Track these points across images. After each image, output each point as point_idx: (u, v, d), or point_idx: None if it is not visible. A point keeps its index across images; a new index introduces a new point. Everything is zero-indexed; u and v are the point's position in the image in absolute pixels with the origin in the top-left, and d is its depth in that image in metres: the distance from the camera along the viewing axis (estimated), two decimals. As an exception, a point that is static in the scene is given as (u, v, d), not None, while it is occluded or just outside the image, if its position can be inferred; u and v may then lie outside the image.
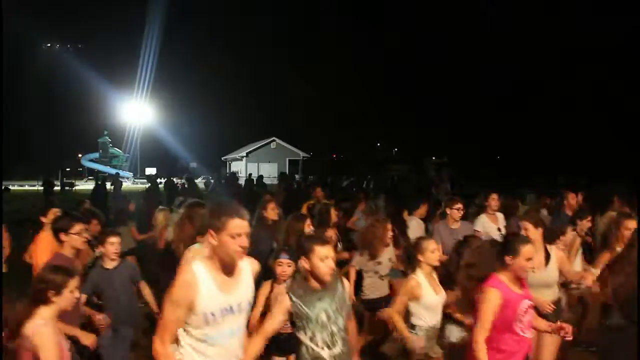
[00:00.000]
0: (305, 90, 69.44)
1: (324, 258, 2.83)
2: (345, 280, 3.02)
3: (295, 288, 2.90)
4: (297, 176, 33.02)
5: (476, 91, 58.93)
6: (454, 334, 4.02)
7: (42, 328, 2.64)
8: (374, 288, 4.92)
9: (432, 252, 3.83)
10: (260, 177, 17.17)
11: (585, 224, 5.33)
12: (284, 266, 3.75)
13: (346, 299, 2.97)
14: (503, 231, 6.03)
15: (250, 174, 22.74)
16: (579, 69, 48.23)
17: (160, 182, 20.52)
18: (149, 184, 16.67)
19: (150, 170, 44.20)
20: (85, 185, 33.27)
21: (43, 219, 4.82)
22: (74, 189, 30.97)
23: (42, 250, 4.50)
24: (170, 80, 59.31)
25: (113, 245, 4.21)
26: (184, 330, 2.43)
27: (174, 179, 17.34)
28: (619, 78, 40.99)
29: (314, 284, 2.88)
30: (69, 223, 3.76)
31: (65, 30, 64.87)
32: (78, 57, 53.56)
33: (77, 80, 51.19)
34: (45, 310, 2.74)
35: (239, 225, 2.37)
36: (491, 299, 3.05)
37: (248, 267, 2.59)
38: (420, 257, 3.85)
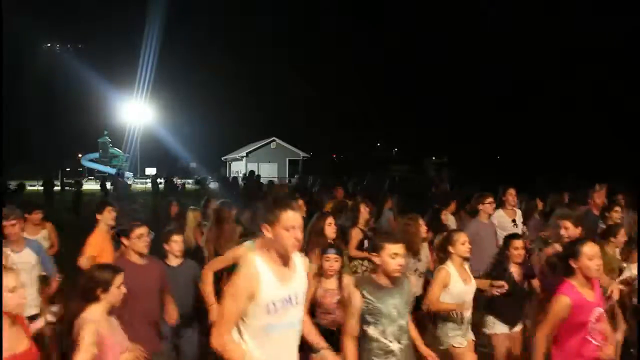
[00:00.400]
0: (305, 90, 69.42)
1: (394, 255, 2.97)
2: (410, 277, 3.13)
3: (365, 284, 3.01)
4: (296, 176, 32.97)
5: (476, 91, 58.95)
6: (492, 325, 4.21)
7: (86, 325, 2.74)
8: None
9: (463, 244, 4.00)
10: (258, 176, 17.19)
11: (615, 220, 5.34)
12: (332, 261, 3.86)
13: (411, 295, 3.13)
14: (519, 225, 6.23)
15: (245, 173, 22.75)
16: (579, 69, 48.25)
17: (161, 182, 20.54)
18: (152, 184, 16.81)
19: (150, 170, 44.24)
20: (86, 185, 33.24)
21: (98, 216, 5.03)
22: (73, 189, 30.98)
23: (91, 244, 4.73)
24: (170, 80, 59.29)
25: (177, 243, 4.32)
26: (244, 321, 2.45)
27: (174, 179, 17.33)
28: (619, 78, 40.99)
29: (384, 280, 3.02)
30: (130, 227, 3.86)
31: (65, 30, 64.88)
32: (78, 57, 53.62)
33: (77, 80, 51.22)
34: (95, 308, 2.84)
35: (292, 218, 2.42)
36: (559, 306, 3.12)
37: (301, 260, 2.65)
38: (451, 249, 4.01)
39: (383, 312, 2.95)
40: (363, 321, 2.99)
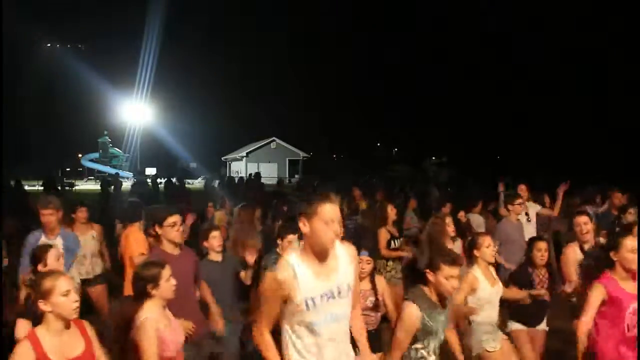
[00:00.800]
0: (305, 90, 69.44)
1: (448, 277, 2.90)
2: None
3: (424, 304, 2.91)
4: (296, 176, 32.96)
5: (476, 91, 58.95)
6: (510, 325, 4.22)
7: (144, 322, 2.81)
8: None
9: (488, 247, 4.00)
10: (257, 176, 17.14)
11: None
12: (364, 263, 3.84)
13: (450, 310, 3.10)
14: (532, 218, 6.44)
15: (250, 174, 22.69)
16: (579, 69, 48.26)
17: (160, 182, 20.50)
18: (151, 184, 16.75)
19: (150, 170, 44.20)
20: (86, 185, 33.27)
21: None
22: (74, 188, 30.99)
23: (133, 242, 4.80)
24: (170, 80, 59.32)
25: (216, 239, 4.36)
26: (286, 320, 2.46)
27: (173, 179, 17.30)
28: (619, 78, 41.00)
29: (435, 297, 2.96)
30: (162, 215, 3.77)
31: (65, 30, 64.88)
32: (78, 57, 53.55)
33: (77, 80, 51.17)
34: (149, 305, 2.90)
35: (331, 211, 2.37)
36: (595, 294, 3.21)
37: (345, 252, 2.57)
38: (476, 253, 4.01)
39: (433, 330, 2.91)
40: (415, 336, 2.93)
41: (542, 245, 4.32)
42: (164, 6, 50.30)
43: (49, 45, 57.38)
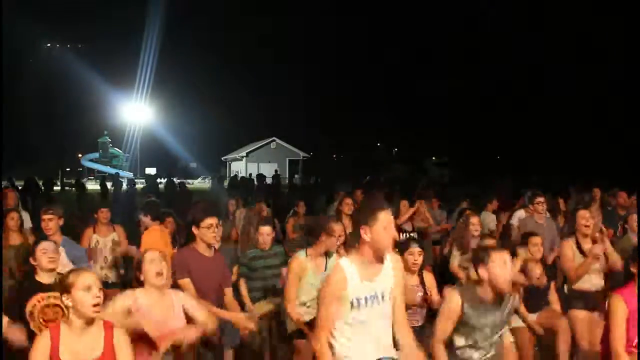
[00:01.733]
0: (305, 90, 69.43)
1: (503, 266, 2.79)
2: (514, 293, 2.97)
3: (468, 296, 2.86)
4: (297, 176, 32.95)
5: (476, 91, 58.91)
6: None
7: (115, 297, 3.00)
8: None
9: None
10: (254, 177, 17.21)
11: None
12: (415, 255, 3.90)
13: (511, 310, 2.97)
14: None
15: (250, 174, 22.72)
16: (579, 69, 48.22)
17: (161, 182, 20.49)
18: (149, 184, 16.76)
19: (150, 170, 44.18)
20: (85, 185, 33.23)
21: (145, 220, 5.14)
22: (74, 188, 30.95)
23: (147, 240, 4.81)
24: (170, 80, 59.20)
25: (263, 235, 4.71)
26: (337, 324, 2.59)
27: (174, 179, 17.31)
28: (620, 77, 40.97)
29: (489, 295, 2.83)
30: (200, 217, 3.79)
31: (65, 30, 64.73)
32: (78, 57, 53.50)
33: (77, 80, 51.10)
34: (138, 290, 3.11)
35: (388, 217, 2.52)
36: (619, 306, 2.91)
37: (390, 258, 2.69)
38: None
39: (476, 327, 2.85)
40: (454, 329, 2.92)
41: (537, 240, 4.40)
42: (164, 6, 50.31)
43: (49, 45, 57.32)
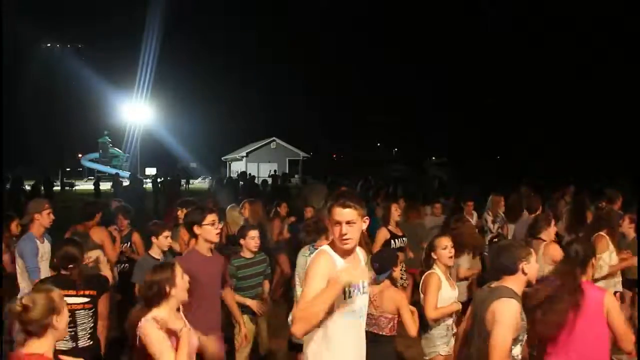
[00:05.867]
0: (305, 90, 69.43)
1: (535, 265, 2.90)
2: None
3: (517, 297, 2.83)
4: (296, 176, 32.91)
5: (476, 91, 58.90)
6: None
7: (148, 321, 2.72)
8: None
9: (444, 250, 3.97)
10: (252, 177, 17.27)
11: None
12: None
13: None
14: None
15: (250, 173, 22.71)
16: (579, 69, 48.23)
17: (160, 183, 20.49)
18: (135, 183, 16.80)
19: (150, 170, 44.17)
20: (86, 185, 33.30)
21: (180, 213, 5.38)
22: (74, 188, 31.03)
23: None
24: (170, 80, 59.28)
25: (253, 239, 4.67)
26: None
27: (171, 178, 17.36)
28: (619, 77, 40.97)
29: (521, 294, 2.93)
30: (201, 215, 3.77)
31: (65, 30, 64.82)
32: (78, 57, 53.56)
33: (77, 80, 51.21)
34: (160, 308, 2.83)
35: (337, 213, 2.53)
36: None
37: (362, 254, 2.76)
38: (433, 255, 3.99)
39: (524, 327, 2.84)
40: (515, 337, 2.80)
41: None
42: (164, 6, 50.33)
43: (49, 45, 57.35)
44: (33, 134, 50.07)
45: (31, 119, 50.06)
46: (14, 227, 5.27)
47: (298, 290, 4.11)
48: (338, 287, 2.38)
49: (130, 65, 50.14)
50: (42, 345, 2.27)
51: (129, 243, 5.70)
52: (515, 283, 2.82)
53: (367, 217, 2.62)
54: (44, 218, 4.62)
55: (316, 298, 2.39)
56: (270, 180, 19.52)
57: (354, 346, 2.62)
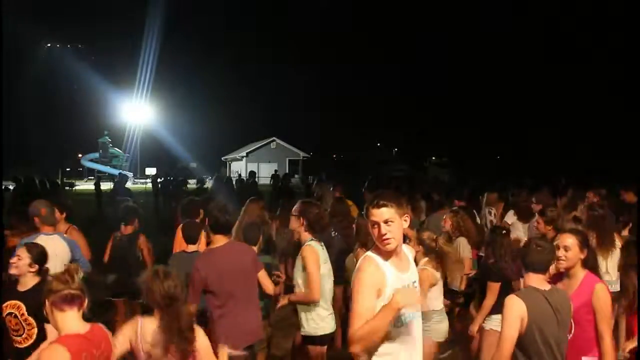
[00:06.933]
0: (305, 90, 69.42)
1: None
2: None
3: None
4: (296, 176, 32.89)
5: (476, 91, 58.88)
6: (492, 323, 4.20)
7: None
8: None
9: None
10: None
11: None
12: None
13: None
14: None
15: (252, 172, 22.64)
16: (579, 69, 48.22)
17: (159, 183, 20.47)
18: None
19: (150, 170, 44.14)
20: (86, 185, 33.28)
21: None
22: (74, 188, 30.99)
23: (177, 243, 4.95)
24: (170, 80, 59.31)
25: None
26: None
27: (170, 178, 17.35)
28: (621, 77, 40.96)
29: None
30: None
31: (65, 30, 64.85)
32: (78, 57, 53.53)
33: (77, 80, 51.19)
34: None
35: (373, 214, 2.52)
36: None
37: (410, 252, 2.77)
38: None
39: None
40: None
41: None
42: (164, 6, 50.32)
43: (49, 45, 57.33)
44: (33, 134, 50.06)
45: (31, 119, 50.04)
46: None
47: (299, 280, 4.02)
48: (393, 312, 2.37)
49: (130, 65, 50.21)
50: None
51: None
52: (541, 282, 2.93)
53: (407, 214, 2.59)
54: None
55: (372, 322, 2.37)
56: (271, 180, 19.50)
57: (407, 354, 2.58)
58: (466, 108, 57.61)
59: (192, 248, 4.59)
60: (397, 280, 2.53)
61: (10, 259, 3.51)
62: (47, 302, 2.47)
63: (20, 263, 3.44)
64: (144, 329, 2.70)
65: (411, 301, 2.39)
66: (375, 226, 2.50)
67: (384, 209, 2.49)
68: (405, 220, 2.56)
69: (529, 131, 46.51)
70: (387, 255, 2.54)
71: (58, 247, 4.38)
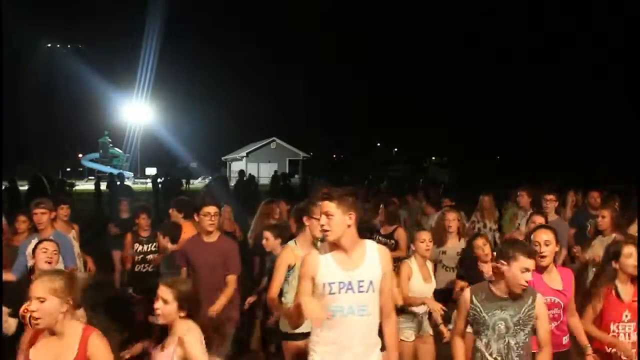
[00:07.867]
0: (305, 90, 69.42)
1: (524, 270, 2.73)
2: (539, 296, 2.86)
3: (478, 291, 2.87)
4: (296, 176, 32.92)
5: (476, 91, 58.89)
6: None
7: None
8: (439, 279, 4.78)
9: (422, 242, 4.12)
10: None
11: None
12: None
13: (535, 316, 2.82)
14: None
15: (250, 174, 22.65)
16: (579, 68, 48.21)
17: (160, 182, 20.46)
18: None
19: (150, 170, 44.12)
20: (86, 185, 33.27)
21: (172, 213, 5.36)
22: (74, 188, 30.95)
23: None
24: (170, 80, 59.33)
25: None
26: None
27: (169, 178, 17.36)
28: (620, 76, 40.97)
29: (501, 291, 2.81)
30: (199, 204, 4.15)
31: (65, 30, 64.88)
32: (78, 57, 53.48)
33: (77, 80, 51.08)
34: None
35: (318, 205, 2.70)
36: None
37: (376, 251, 2.71)
38: (412, 247, 4.19)
39: (488, 323, 2.79)
40: (472, 328, 2.92)
41: (481, 241, 4.39)
42: (164, 6, 50.28)
43: (49, 45, 57.30)
44: (33, 134, 50.06)
45: (31, 119, 50.02)
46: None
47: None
48: (301, 316, 2.56)
49: (130, 65, 50.18)
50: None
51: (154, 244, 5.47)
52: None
53: (352, 212, 2.59)
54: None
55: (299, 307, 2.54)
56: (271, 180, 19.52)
57: (346, 341, 2.61)
58: (466, 108, 57.61)
59: (171, 247, 4.60)
60: (334, 274, 2.59)
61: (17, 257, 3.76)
62: None
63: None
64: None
65: (313, 317, 2.46)
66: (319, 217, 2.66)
67: (326, 202, 2.60)
68: (350, 218, 2.59)
69: (529, 131, 46.51)
70: (331, 247, 2.65)
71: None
